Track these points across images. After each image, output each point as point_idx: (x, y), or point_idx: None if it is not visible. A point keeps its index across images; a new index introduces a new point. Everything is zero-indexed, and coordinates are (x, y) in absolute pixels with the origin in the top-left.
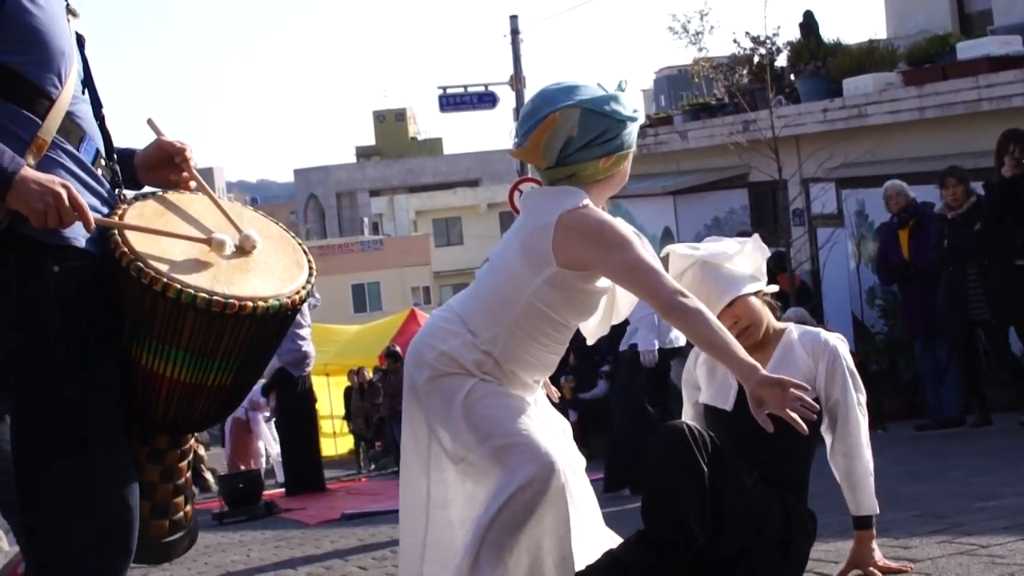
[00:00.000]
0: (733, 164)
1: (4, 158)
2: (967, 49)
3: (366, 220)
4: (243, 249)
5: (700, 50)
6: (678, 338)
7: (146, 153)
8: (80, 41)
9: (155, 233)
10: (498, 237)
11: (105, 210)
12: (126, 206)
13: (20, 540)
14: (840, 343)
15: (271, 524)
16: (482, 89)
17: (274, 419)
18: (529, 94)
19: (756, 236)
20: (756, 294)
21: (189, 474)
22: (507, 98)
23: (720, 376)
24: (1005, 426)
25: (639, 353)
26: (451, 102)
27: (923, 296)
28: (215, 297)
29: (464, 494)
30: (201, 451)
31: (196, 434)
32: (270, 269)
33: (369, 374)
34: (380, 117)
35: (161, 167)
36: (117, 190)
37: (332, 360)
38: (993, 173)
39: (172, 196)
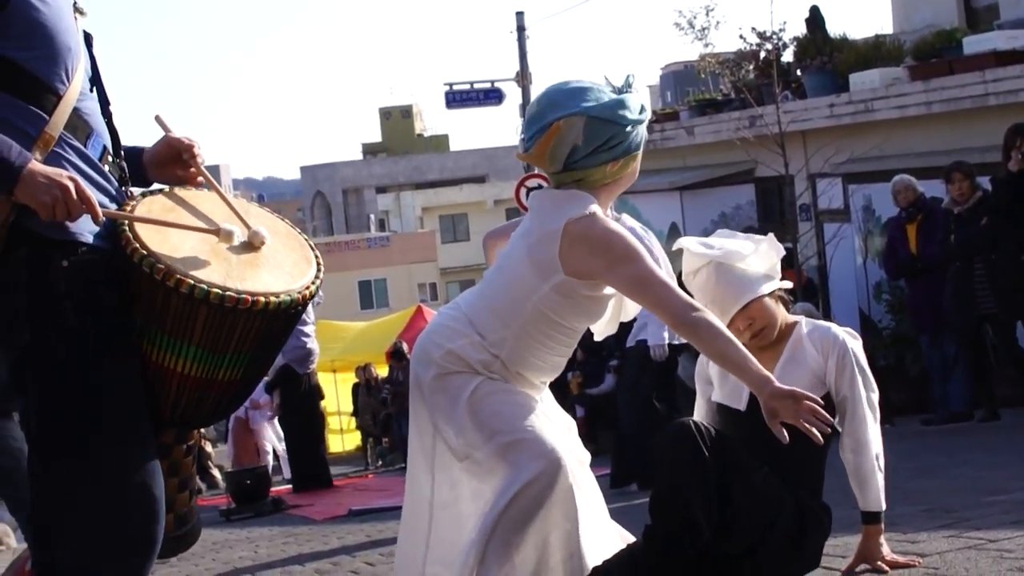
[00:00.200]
0: (740, 159)
1: (12, 152)
2: (974, 44)
3: (372, 217)
4: (252, 245)
5: (706, 46)
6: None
7: (154, 150)
8: (88, 39)
9: (164, 225)
10: None
11: (113, 206)
12: (134, 202)
13: (28, 537)
14: (851, 339)
15: (278, 520)
16: (488, 85)
17: (278, 416)
18: (535, 90)
19: (771, 236)
20: (771, 293)
21: (194, 469)
22: (513, 94)
23: (733, 382)
24: (1013, 421)
25: (647, 348)
26: (457, 99)
27: (930, 291)
28: (228, 292)
29: (469, 492)
30: (208, 448)
31: (203, 431)
32: (280, 264)
33: (376, 371)
34: (386, 114)
35: (169, 163)
36: (124, 187)
37: (339, 357)
38: (1000, 168)
39: (180, 192)
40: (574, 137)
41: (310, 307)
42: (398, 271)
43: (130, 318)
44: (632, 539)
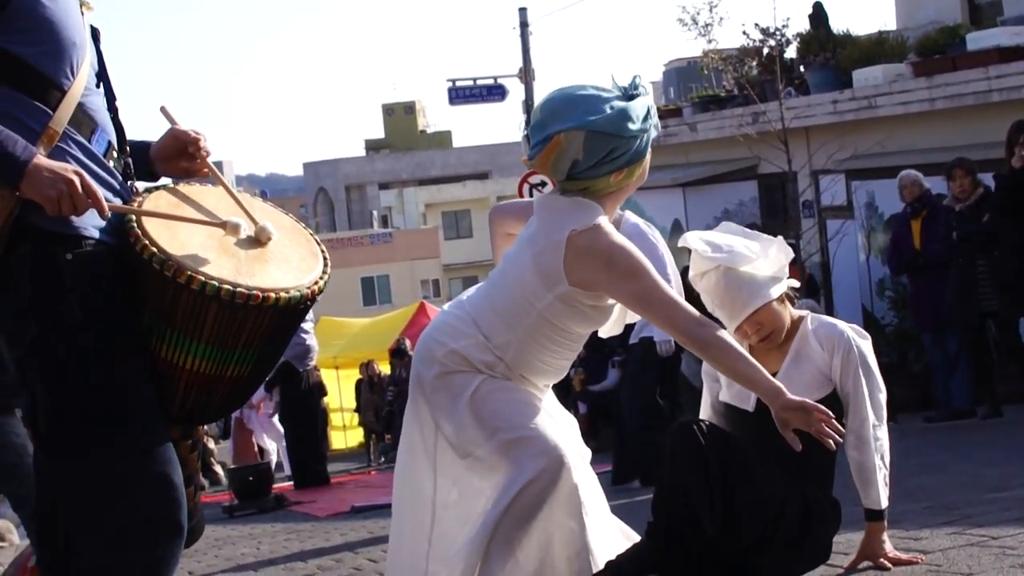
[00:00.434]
0: (743, 156)
1: (17, 147)
2: (977, 40)
3: (375, 213)
4: (259, 240)
5: (709, 42)
6: None
7: (161, 144)
8: (95, 34)
9: (170, 218)
10: None
11: (117, 201)
12: (140, 198)
13: (31, 534)
14: (859, 338)
15: (281, 517)
16: (491, 82)
17: (277, 414)
18: (538, 86)
19: (780, 239)
20: (779, 297)
21: (198, 465)
22: (516, 91)
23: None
24: (1015, 418)
25: (651, 345)
26: (460, 95)
27: (932, 288)
28: (239, 289)
29: (471, 489)
30: (211, 444)
31: (205, 427)
32: (287, 259)
33: (379, 367)
34: (389, 110)
35: (176, 157)
36: (129, 182)
37: (341, 353)
38: (1003, 164)
39: (185, 187)
40: (574, 151)
41: None
42: (401, 267)
43: (138, 314)
44: (633, 534)
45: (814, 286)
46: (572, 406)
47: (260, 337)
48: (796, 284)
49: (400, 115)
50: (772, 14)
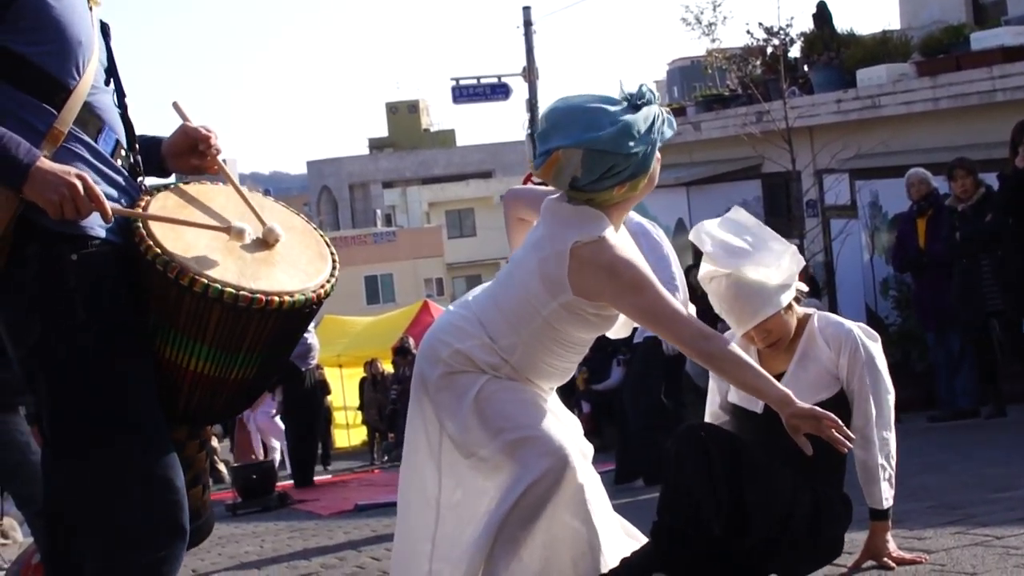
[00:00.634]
0: (746, 155)
1: (20, 150)
2: (981, 39)
3: (379, 212)
4: (267, 242)
5: (713, 41)
6: None
7: (172, 140)
8: (105, 30)
9: (175, 223)
10: None
11: (125, 201)
12: (148, 198)
13: (35, 531)
14: (867, 338)
15: (284, 515)
16: (495, 81)
17: (280, 413)
18: (542, 86)
19: (794, 249)
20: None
21: (207, 464)
22: (520, 89)
23: None
24: (1019, 417)
25: (655, 344)
26: (464, 94)
27: (936, 287)
28: (242, 292)
29: (475, 490)
30: (214, 443)
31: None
32: (295, 262)
33: (382, 366)
34: (393, 109)
35: (186, 153)
36: (139, 179)
37: (344, 352)
38: (1007, 164)
39: (194, 188)
40: (573, 168)
41: None
42: (404, 266)
43: (142, 314)
44: (637, 533)
45: (815, 287)
46: (576, 405)
47: (264, 340)
48: (805, 288)
49: (404, 114)
50: (776, 13)
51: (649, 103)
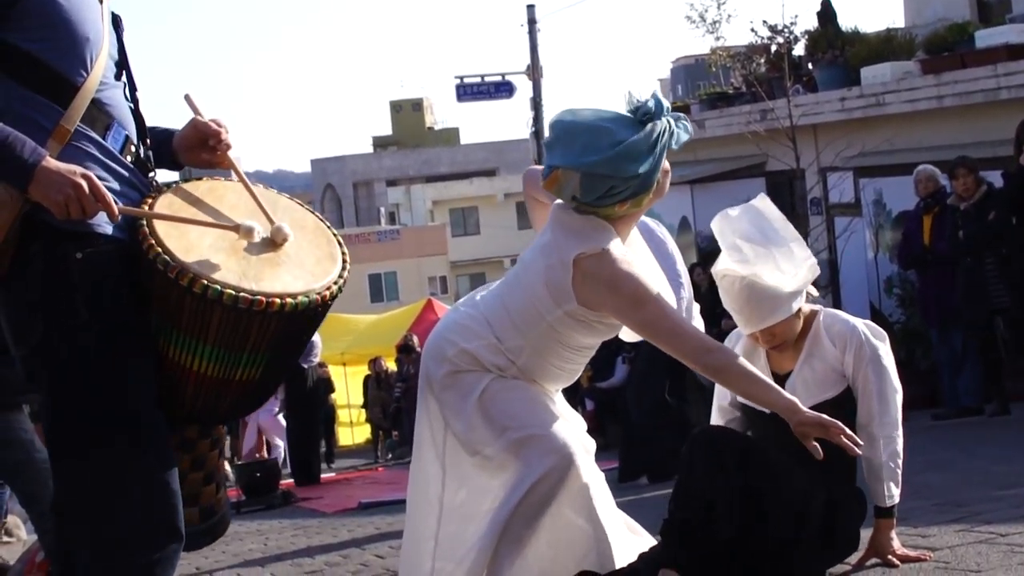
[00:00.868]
0: (751, 153)
1: (25, 149)
2: (986, 37)
3: (383, 210)
4: (274, 242)
5: (717, 39)
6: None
7: (183, 134)
8: (116, 22)
9: (182, 222)
10: (515, 227)
11: (135, 195)
12: (157, 195)
13: (39, 530)
14: (872, 335)
15: (288, 513)
16: (499, 79)
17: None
18: (546, 84)
19: (814, 260)
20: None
21: (221, 462)
22: (524, 88)
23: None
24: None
25: None
26: (468, 92)
27: (940, 285)
28: (242, 294)
29: (479, 488)
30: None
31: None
32: (302, 263)
33: (387, 364)
34: (397, 107)
35: (197, 148)
36: (151, 174)
37: (348, 350)
38: (1012, 162)
39: (205, 185)
40: (572, 188)
41: None
42: (408, 264)
43: (147, 313)
44: (640, 530)
45: (818, 285)
46: (579, 402)
47: (268, 341)
48: (816, 293)
49: (408, 112)
50: (780, 11)
51: (656, 118)
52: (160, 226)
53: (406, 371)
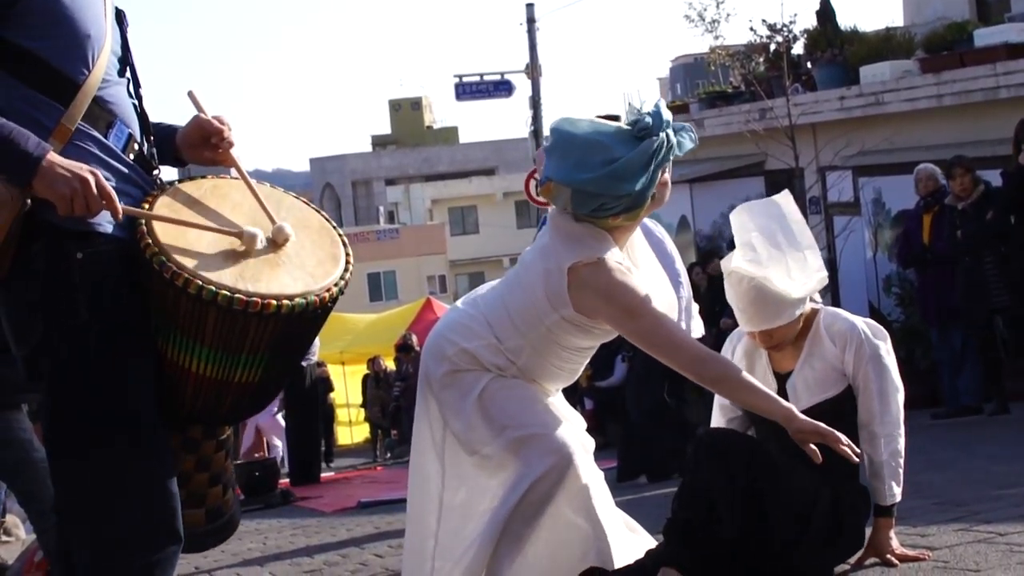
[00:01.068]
0: (750, 152)
1: (30, 143)
2: (985, 36)
3: (382, 209)
4: (275, 242)
5: (716, 38)
6: (698, 330)
7: (186, 131)
8: (120, 17)
9: (185, 225)
10: (514, 226)
11: (138, 193)
12: (159, 193)
13: (37, 530)
14: (872, 334)
15: (287, 512)
16: (498, 78)
17: (281, 410)
18: (545, 83)
19: (826, 273)
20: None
21: (228, 463)
22: (523, 86)
23: (759, 376)
24: (1023, 415)
25: None
26: (467, 91)
27: (939, 284)
28: (236, 295)
29: (478, 488)
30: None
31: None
32: (302, 264)
33: (385, 363)
34: (396, 106)
35: (200, 145)
36: (155, 171)
37: (347, 349)
38: (1011, 161)
39: (208, 183)
40: (564, 201)
41: None
42: (407, 263)
43: (148, 313)
44: (639, 528)
45: None
46: (579, 402)
47: (266, 343)
48: (819, 299)
49: (407, 111)
50: (779, 10)
51: (654, 133)
52: (158, 225)
53: (405, 370)
